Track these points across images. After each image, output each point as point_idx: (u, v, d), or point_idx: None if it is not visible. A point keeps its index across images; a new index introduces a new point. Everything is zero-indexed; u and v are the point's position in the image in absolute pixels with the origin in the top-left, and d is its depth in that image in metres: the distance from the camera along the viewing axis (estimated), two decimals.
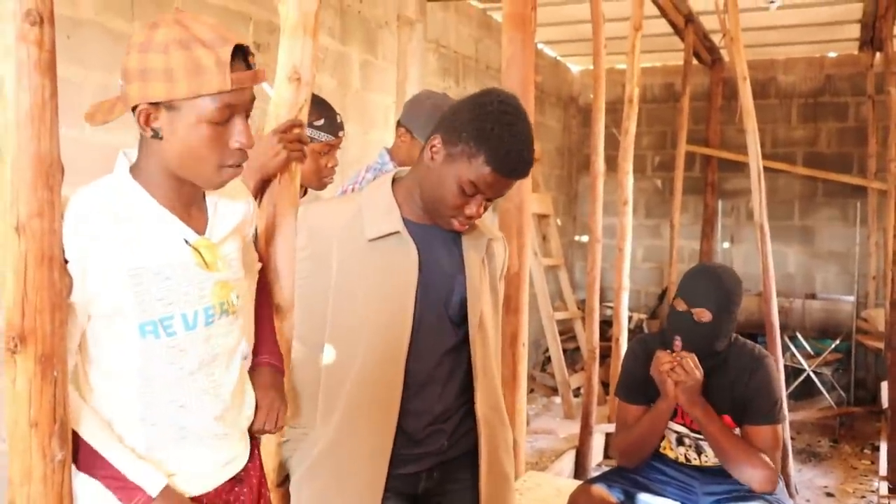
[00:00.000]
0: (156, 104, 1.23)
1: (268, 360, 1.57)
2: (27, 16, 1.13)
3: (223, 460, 1.43)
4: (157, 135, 1.25)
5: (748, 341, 2.61)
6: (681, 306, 2.50)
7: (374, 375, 1.65)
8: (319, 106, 2.22)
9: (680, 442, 2.64)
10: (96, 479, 1.30)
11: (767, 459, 2.42)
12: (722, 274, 2.54)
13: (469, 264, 1.76)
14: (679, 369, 2.40)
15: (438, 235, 1.73)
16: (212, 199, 1.41)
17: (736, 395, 2.47)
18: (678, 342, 2.47)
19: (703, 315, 2.45)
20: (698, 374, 2.40)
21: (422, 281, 1.68)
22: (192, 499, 1.37)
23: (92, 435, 1.30)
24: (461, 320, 1.75)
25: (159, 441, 1.35)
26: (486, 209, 1.67)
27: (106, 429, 1.32)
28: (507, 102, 1.64)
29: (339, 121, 2.33)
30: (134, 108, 1.24)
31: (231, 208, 1.44)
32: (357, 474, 1.65)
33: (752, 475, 2.41)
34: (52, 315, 1.19)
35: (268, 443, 1.70)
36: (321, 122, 2.24)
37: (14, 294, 1.16)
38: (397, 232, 1.67)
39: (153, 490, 1.30)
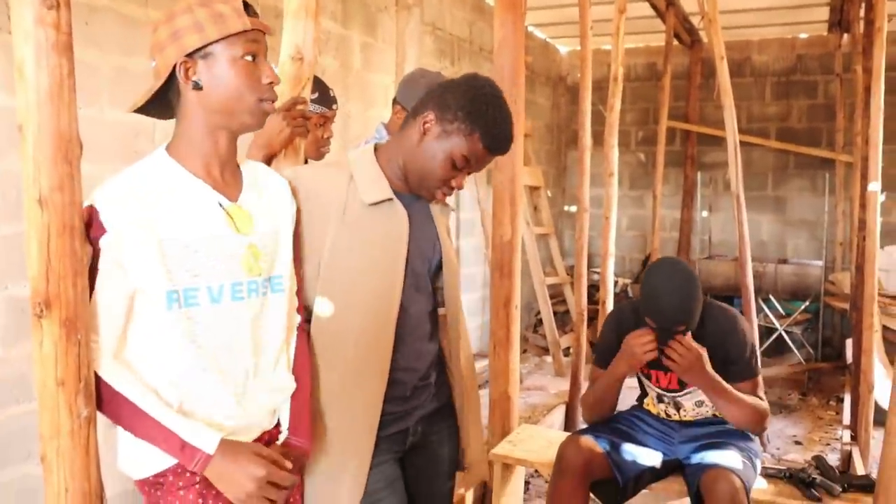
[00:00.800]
0: (192, 57, 1.29)
1: (295, 441, 1.49)
2: (44, 0, 1.11)
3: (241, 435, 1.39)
4: (198, 85, 1.30)
5: (719, 304, 2.56)
6: (654, 324, 2.37)
7: (368, 335, 1.63)
8: (313, 82, 2.23)
9: (660, 400, 2.66)
10: (156, 446, 1.29)
11: (764, 405, 2.43)
12: (682, 285, 2.33)
13: (441, 231, 1.79)
14: (675, 352, 2.33)
15: (416, 204, 1.73)
16: (250, 171, 1.44)
17: (716, 355, 2.43)
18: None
19: (680, 329, 2.35)
20: (696, 350, 2.32)
21: (409, 246, 1.68)
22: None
23: (144, 403, 1.28)
24: (435, 283, 1.78)
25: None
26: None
27: (154, 395, 1.30)
28: (496, 87, 1.68)
29: (332, 94, 2.37)
30: (172, 73, 1.30)
31: (274, 188, 1.48)
32: (351, 428, 1.63)
33: (750, 423, 2.43)
34: (74, 281, 1.19)
35: None
36: (315, 95, 2.24)
37: (38, 263, 1.16)
38: (391, 199, 1.65)
39: (210, 447, 1.29)
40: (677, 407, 2.62)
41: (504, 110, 1.64)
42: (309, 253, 1.60)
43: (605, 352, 2.61)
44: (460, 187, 1.69)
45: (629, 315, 2.60)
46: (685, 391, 2.57)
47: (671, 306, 2.32)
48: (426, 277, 1.75)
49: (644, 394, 2.77)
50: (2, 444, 2.56)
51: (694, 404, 2.61)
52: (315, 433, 1.59)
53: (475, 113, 1.60)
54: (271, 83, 1.35)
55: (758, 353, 2.52)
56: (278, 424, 1.50)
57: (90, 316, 1.23)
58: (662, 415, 2.67)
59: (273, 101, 1.37)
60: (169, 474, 1.32)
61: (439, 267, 1.78)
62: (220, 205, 1.35)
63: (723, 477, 2.26)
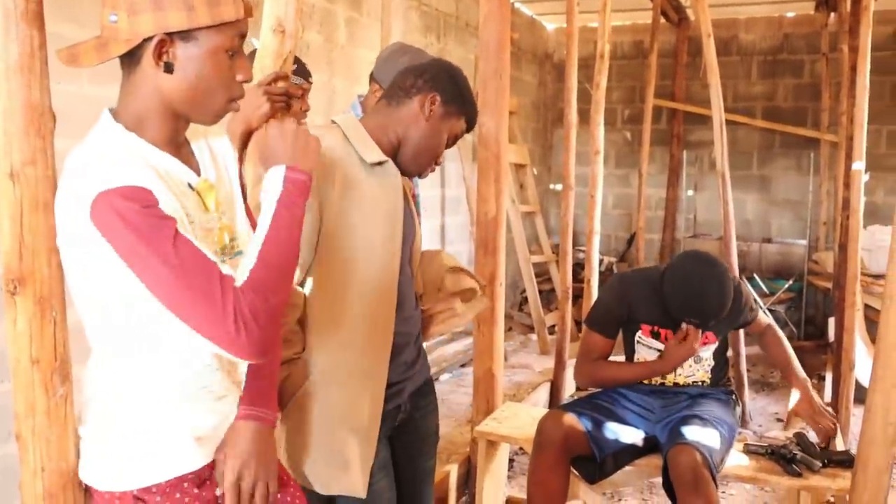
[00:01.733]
0: (170, 36, 1.12)
1: (248, 412, 1.33)
2: None
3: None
4: (169, 68, 1.14)
5: None
6: (694, 322, 2.54)
7: (372, 297, 1.62)
8: None
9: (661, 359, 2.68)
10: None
11: (778, 331, 2.88)
12: (722, 286, 2.48)
13: (411, 205, 1.83)
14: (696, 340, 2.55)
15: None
16: (197, 141, 1.31)
17: (723, 322, 2.63)
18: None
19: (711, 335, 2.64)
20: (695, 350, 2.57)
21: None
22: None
23: None
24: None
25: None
26: None
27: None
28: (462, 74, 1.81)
29: (307, 67, 2.41)
30: (142, 42, 1.12)
31: (219, 145, 1.38)
32: (359, 394, 1.62)
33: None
34: (48, 258, 1.17)
35: None
36: (294, 67, 2.21)
37: (10, 239, 1.14)
38: (386, 160, 1.68)
39: None
40: None
41: (469, 87, 1.80)
42: (311, 208, 1.53)
43: (606, 317, 2.73)
44: (440, 163, 1.80)
45: (639, 285, 2.69)
46: None
47: (715, 306, 2.48)
48: (410, 242, 1.77)
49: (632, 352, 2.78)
50: None
51: (692, 359, 2.67)
52: (313, 399, 1.59)
53: (461, 95, 1.74)
54: (244, 81, 1.22)
55: (756, 303, 2.80)
56: None
57: (199, 265, 1.07)
58: (655, 380, 2.69)
59: (240, 101, 1.25)
60: (156, 492, 1.22)
61: None
62: (190, 185, 1.22)
63: (685, 451, 2.31)
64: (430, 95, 1.70)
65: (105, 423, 1.22)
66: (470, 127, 1.80)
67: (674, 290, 2.50)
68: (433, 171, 1.80)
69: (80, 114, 2.59)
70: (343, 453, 1.60)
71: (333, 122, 1.73)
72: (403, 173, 1.74)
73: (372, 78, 2.63)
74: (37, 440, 1.20)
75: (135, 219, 1.04)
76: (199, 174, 1.25)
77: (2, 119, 1.11)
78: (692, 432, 2.41)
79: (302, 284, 1.60)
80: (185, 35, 1.13)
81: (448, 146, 1.78)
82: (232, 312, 1.07)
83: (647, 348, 2.70)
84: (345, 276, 1.60)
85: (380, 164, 1.66)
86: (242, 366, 1.34)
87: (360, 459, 1.62)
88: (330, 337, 1.61)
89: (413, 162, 1.74)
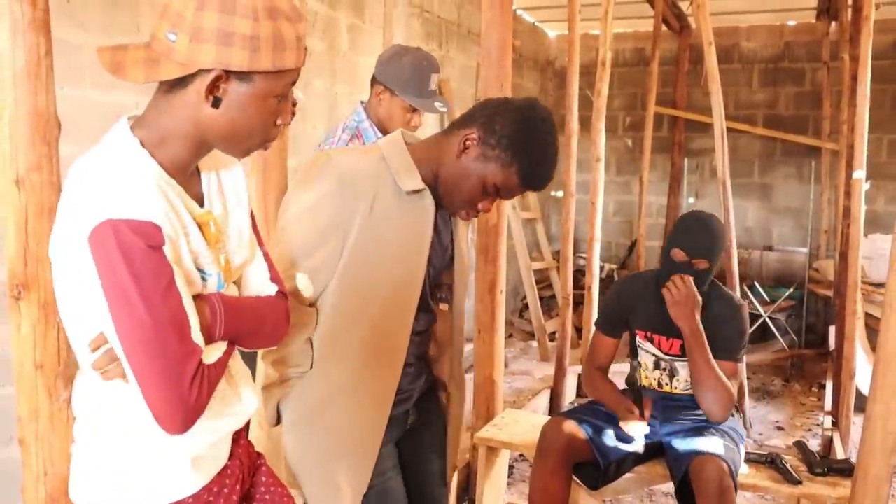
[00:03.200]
0: (227, 72, 1.08)
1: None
2: None
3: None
4: (217, 103, 1.10)
5: (729, 292, 2.69)
6: (679, 256, 2.53)
7: (388, 323, 1.61)
8: None
9: (657, 366, 2.68)
10: None
11: (733, 389, 2.50)
12: (716, 225, 2.57)
13: (458, 234, 1.78)
14: (676, 288, 2.48)
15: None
16: (207, 172, 1.25)
17: (713, 334, 2.53)
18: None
19: (702, 265, 2.51)
20: (694, 294, 2.48)
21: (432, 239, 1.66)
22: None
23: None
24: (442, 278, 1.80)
25: None
26: None
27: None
28: (548, 121, 1.61)
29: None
30: (197, 71, 1.08)
31: (231, 175, 1.30)
32: (363, 418, 1.62)
33: (714, 399, 2.47)
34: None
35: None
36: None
37: (15, 244, 1.14)
38: (424, 189, 1.61)
39: None
40: (672, 374, 2.66)
41: (550, 149, 1.60)
42: (336, 233, 1.53)
43: (607, 317, 2.77)
44: (486, 211, 1.65)
45: (634, 287, 2.75)
46: (685, 358, 2.59)
47: (701, 236, 2.51)
48: (436, 274, 1.75)
49: (637, 365, 2.78)
50: None
51: (689, 372, 2.63)
52: (318, 417, 1.58)
53: (518, 145, 1.55)
54: (282, 124, 1.19)
55: (746, 344, 2.63)
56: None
57: (178, 323, 1.06)
58: (654, 385, 2.69)
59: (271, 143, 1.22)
60: None
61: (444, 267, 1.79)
62: (192, 215, 1.16)
63: (710, 462, 2.33)
64: (469, 131, 1.58)
65: (94, 444, 1.18)
66: (528, 182, 1.59)
67: (672, 230, 2.62)
68: (472, 216, 1.67)
69: (83, 119, 2.61)
70: (336, 479, 1.61)
71: (377, 144, 1.67)
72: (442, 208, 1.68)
73: (374, 81, 2.63)
74: (40, 444, 1.21)
75: (136, 257, 1.01)
76: (202, 205, 1.21)
77: (8, 126, 1.12)
78: (710, 443, 2.43)
79: (313, 305, 1.58)
80: (243, 75, 1.09)
81: (501, 197, 1.63)
82: (187, 385, 1.05)
83: (646, 352, 2.72)
84: (362, 303, 1.58)
85: (416, 191, 1.60)
86: (242, 379, 1.32)
87: (352, 488, 1.62)
88: (339, 360, 1.60)
89: (447, 200, 1.64)
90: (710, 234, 2.52)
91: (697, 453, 2.39)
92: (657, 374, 2.70)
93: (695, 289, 2.48)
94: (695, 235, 2.52)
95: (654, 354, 2.69)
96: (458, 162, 1.59)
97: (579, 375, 4.90)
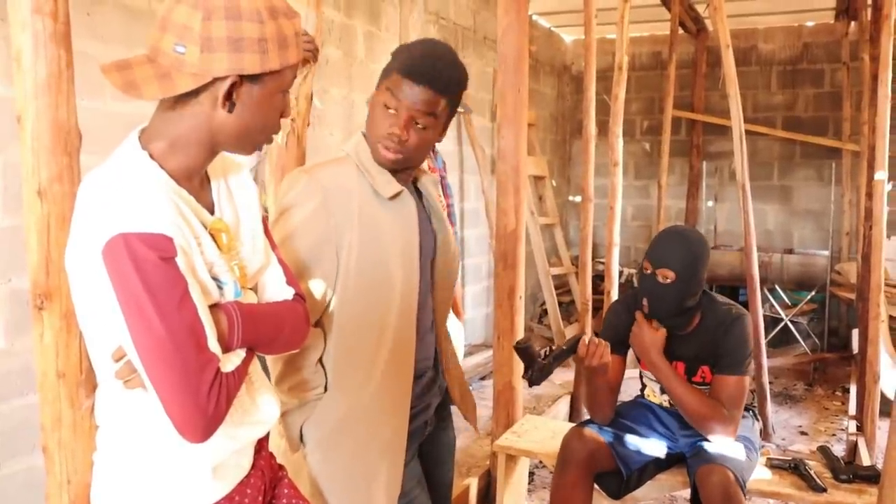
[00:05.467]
0: (242, 78, 1.09)
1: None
2: None
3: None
4: (232, 108, 1.11)
5: (726, 300, 2.57)
6: (647, 268, 2.46)
7: (394, 332, 1.61)
8: None
9: (663, 391, 2.66)
10: None
11: (725, 412, 2.40)
12: (686, 235, 2.48)
13: (435, 207, 1.76)
14: (639, 327, 2.47)
15: (413, 186, 1.72)
16: (216, 179, 1.25)
17: (713, 348, 2.47)
18: (645, 303, 2.46)
19: (667, 275, 2.39)
20: (655, 334, 2.45)
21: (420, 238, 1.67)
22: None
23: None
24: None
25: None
26: (415, 137, 1.58)
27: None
28: (435, 40, 1.65)
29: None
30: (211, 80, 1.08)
31: (239, 181, 1.30)
32: (381, 428, 1.61)
33: (710, 427, 2.41)
34: None
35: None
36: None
37: (38, 254, 1.16)
38: (402, 190, 1.63)
39: None
40: None
41: (428, 44, 1.61)
42: (327, 251, 1.54)
43: (611, 337, 2.59)
44: (402, 133, 1.56)
45: (620, 310, 2.65)
46: (692, 379, 2.56)
47: (667, 246, 2.43)
48: (428, 267, 1.74)
49: (643, 386, 2.77)
50: (7, 437, 2.57)
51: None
52: (343, 435, 1.57)
53: (396, 53, 1.60)
54: (284, 117, 1.22)
55: (749, 359, 2.50)
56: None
57: (194, 333, 1.06)
58: (665, 405, 2.67)
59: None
60: None
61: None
62: (204, 224, 1.16)
63: (716, 471, 2.29)
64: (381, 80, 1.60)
65: (117, 453, 1.18)
66: (407, 70, 1.53)
67: None
68: (392, 149, 1.58)
69: (103, 130, 2.63)
70: (365, 494, 1.60)
71: (346, 151, 1.66)
72: (394, 173, 1.63)
73: None
74: (63, 453, 1.21)
75: (150, 270, 1.02)
76: (212, 212, 1.21)
77: (30, 137, 1.13)
78: (719, 450, 2.40)
79: (317, 324, 1.59)
80: (254, 77, 1.11)
81: (401, 105, 1.54)
82: (205, 394, 1.05)
83: (650, 379, 2.70)
84: (364, 314, 1.58)
85: (396, 195, 1.61)
86: (262, 387, 1.32)
87: (385, 500, 1.61)
88: (352, 376, 1.60)
89: (374, 150, 1.60)
90: (676, 245, 2.42)
91: (704, 460, 2.37)
92: (666, 397, 2.66)
93: (657, 331, 2.47)
94: (660, 246, 2.45)
95: (658, 382, 2.62)
96: (370, 111, 1.61)
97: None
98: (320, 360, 1.60)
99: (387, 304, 1.59)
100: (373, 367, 1.60)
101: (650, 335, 2.47)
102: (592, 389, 2.54)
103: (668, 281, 2.39)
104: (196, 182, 1.18)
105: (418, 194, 1.75)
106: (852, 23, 6.54)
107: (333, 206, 1.54)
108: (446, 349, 1.86)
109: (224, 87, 1.09)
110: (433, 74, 1.54)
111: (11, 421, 2.58)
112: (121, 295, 1.02)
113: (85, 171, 1.18)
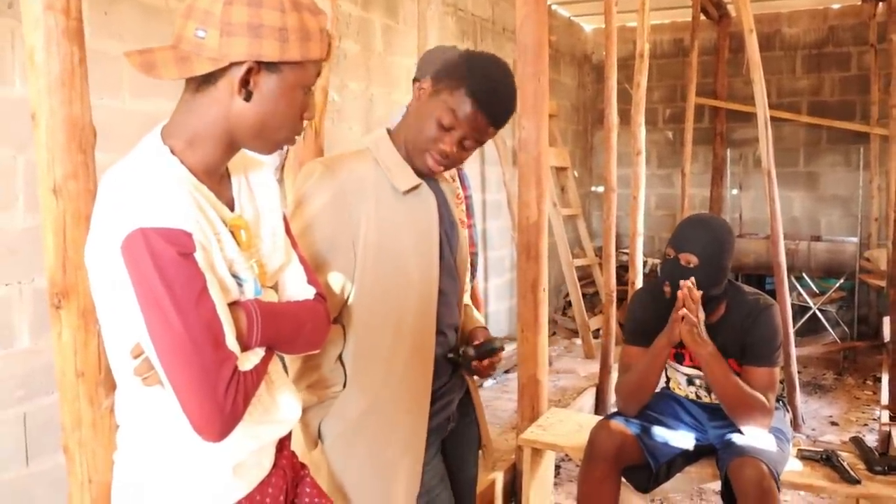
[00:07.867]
0: (258, 64, 1.09)
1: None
2: None
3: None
4: (248, 97, 1.11)
5: (753, 290, 2.53)
6: (670, 253, 2.44)
7: (413, 328, 1.59)
8: None
9: (690, 382, 2.62)
10: None
11: (764, 400, 2.36)
12: (709, 221, 2.48)
13: (454, 212, 1.75)
14: (688, 302, 2.33)
15: (433, 187, 1.69)
16: (237, 175, 1.24)
17: (740, 339, 2.43)
18: (667, 288, 2.41)
19: (690, 259, 2.37)
20: (700, 314, 2.35)
21: (440, 231, 1.65)
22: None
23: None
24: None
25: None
26: (461, 155, 1.59)
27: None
28: (500, 60, 1.62)
29: None
30: (229, 65, 1.08)
31: (260, 178, 1.29)
32: (401, 423, 1.59)
33: (749, 416, 2.36)
34: None
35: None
36: None
37: (54, 253, 1.15)
38: (420, 183, 1.61)
39: None
40: (709, 390, 2.57)
41: (499, 70, 1.57)
42: (343, 244, 1.53)
43: (635, 328, 2.60)
44: (451, 153, 1.56)
45: (645, 298, 2.62)
46: None
47: (690, 231, 2.42)
48: (452, 260, 1.71)
49: (668, 378, 2.72)
50: (32, 436, 2.59)
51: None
52: (362, 432, 1.55)
53: (464, 67, 1.55)
54: (306, 119, 1.20)
55: (779, 350, 2.46)
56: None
57: (212, 330, 1.05)
58: (692, 397, 2.63)
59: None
60: None
61: None
62: (224, 221, 1.15)
63: (749, 464, 2.25)
64: (422, 81, 1.60)
65: (137, 452, 1.17)
66: (478, 97, 1.51)
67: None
68: (439, 162, 1.58)
69: (122, 129, 2.64)
70: (385, 489, 1.58)
71: (366, 145, 1.64)
72: (420, 175, 1.62)
73: (415, 81, 2.63)
74: (83, 452, 1.21)
75: (168, 265, 1.01)
76: (232, 209, 1.20)
77: (44, 134, 1.12)
78: (752, 442, 2.35)
79: (336, 321, 1.57)
80: (273, 66, 1.10)
81: (459, 127, 1.53)
82: (222, 393, 1.04)
83: (675, 370, 2.67)
84: (383, 309, 1.57)
85: (414, 188, 1.59)
86: (283, 385, 1.30)
87: (403, 497, 1.59)
88: (371, 372, 1.58)
89: (414, 156, 1.59)
90: (699, 230, 2.41)
91: (737, 453, 2.32)
92: (692, 388, 2.63)
93: (690, 308, 2.34)
94: (683, 232, 2.45)
95: (685, 374, 2.61)
96: (413, 111, 1.59)
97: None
98: (339, 357, 1.58)
99: (405, 298, 1.58)
100: (392, 362, 1.58)
101: (697, 313, 2.36)
102: (652, 368, 2.47)
103: (691, 265, 2.37)
104: (216, 178, 1.18)
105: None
106: (880, 3, 6.41)
107: (349, 198, 1.53)
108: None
109: (240, 72, 1.09)
110: (502, 114, 1.56)
111: (37, 419, 2.60)
112: (139, 290, 1.02)
113: (102, 169, 1.17)
